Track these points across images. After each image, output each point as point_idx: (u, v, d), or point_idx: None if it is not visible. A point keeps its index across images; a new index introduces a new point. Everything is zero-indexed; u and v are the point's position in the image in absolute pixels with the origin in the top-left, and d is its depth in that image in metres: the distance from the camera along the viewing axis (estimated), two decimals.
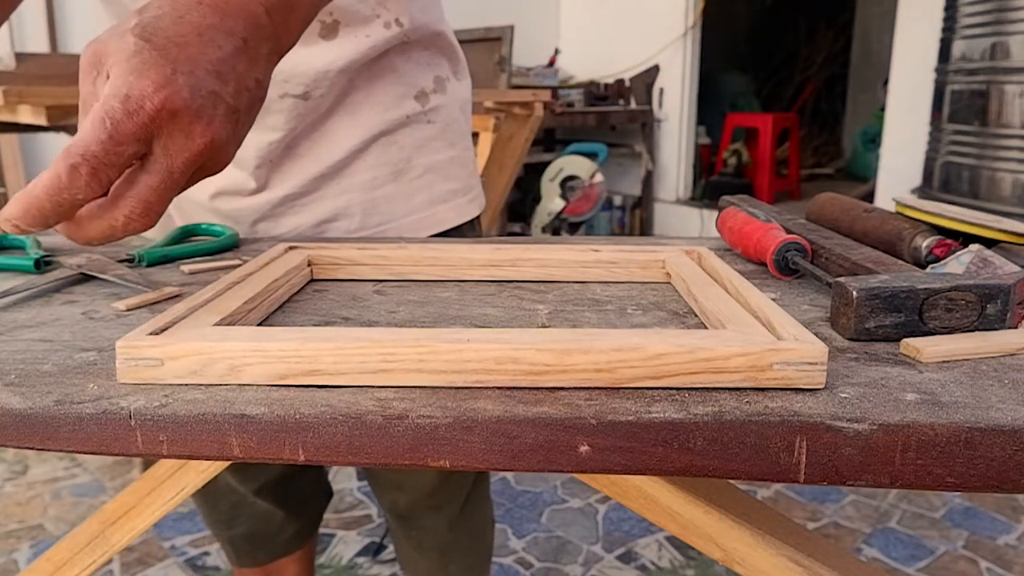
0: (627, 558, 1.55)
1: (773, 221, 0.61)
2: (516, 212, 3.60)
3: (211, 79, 0.38)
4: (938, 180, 2.54)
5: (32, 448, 0.34)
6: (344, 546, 1.59)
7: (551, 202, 3.32)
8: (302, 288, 0.53)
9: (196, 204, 0.73)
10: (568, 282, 0.55)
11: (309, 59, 0.66)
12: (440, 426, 0.33)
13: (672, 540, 1.59)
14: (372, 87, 0.72)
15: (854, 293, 0.41)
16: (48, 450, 0.34)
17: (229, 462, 0.43)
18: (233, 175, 0.70)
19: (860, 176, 4.53)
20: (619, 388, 0.35)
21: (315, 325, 0.45)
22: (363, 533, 1.63)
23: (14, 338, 0.42)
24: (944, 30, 2.55)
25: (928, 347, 0.39)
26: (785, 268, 0.55)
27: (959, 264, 0.49)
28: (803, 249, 0.55)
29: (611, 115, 3.77)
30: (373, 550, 1.58)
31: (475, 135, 1.82)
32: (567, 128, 3.73)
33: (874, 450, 0.32)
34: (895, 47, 3.04)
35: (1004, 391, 0.35)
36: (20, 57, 1.82)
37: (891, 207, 0.62)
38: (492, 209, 1.95)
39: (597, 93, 3.85)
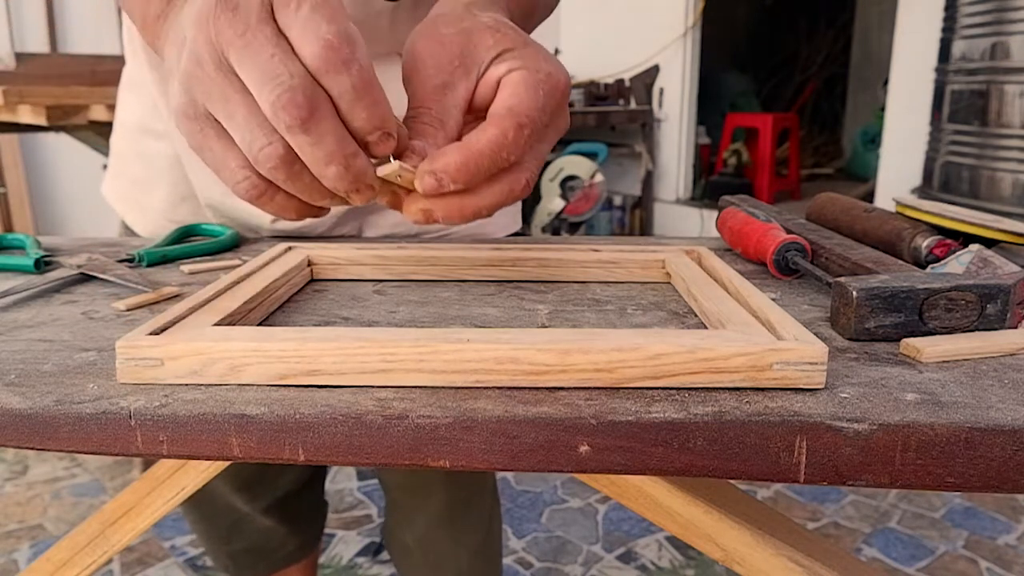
0: (627, 558, 1.55)
1: (773, 221, 0.61)
2: None
3: None
4: (938, 180, 2.54)
5: (32, 448, 0.34)
6: (344, 546, 1.59)
7: (551, 202, 3.32)
8: (302, 288, 0.53)
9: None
10: (568, 282, 0.55)
11: (401, 96, 0.66)
12: (440, 426, 0.33)
13: (672, 540, 1.59)
14: None
15: (854, 293, 0.41)
16: (48, 450, 0.34)
17: (229, 461, 0.42)
18: None
19: (860, 176, 4.53)
20: (619, 388, 0.35)
21: (315, 325, 0.45)
22: (363, 533, 1.63)
23: (14, 338, 0.42)
24: (944, 30, 2.55)
25: (928, 347, 0.39)
26: (785, 268, 0.55)
27: (959, 264, 0.49)
28: (803, 249, 0.55)
29: (611, 115, 3.77)
30: (373, 550, 1.58)
31: None
32: (568, 128, 3.72)
33: (874, 450, 0.32)
34: (895, 47, 3.04)
35: (1004, 391, 0.35)
36: (20, 57, 1.82)
37: (891, 207, 0.62)
38: None
39: (597, 93, 3.84)
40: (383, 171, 0.35)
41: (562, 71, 0.40)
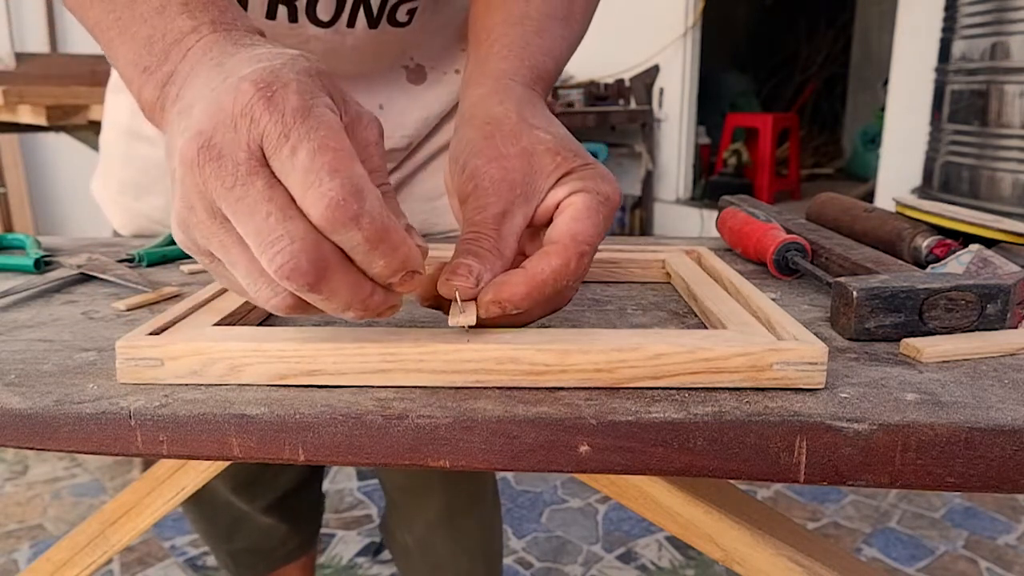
0: (627, 558, 1.55)
1: (773, 221, 0.61)
2: None
3: None
4: (938, 180, 2.54)
5: (32, 448, 0.34)
6: (344, 546, 1.59)
7: None
8: None
9: None
10: None
11: (408, 109, 0.66)
12: (440, 426, 0.33)
13: (672, 540, 1.59)
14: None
15: (854, 293, 0.41)
16: (48, 450, 0.34)
17: (229, 461, 0.42)
18: None
19: (860, 176, 4.53)
20: (619, 388, 0.35)
21: (315, 325, 0.45)
22: (363, 533, 1.63)
23: (14, 338, 0.42)
24: (944, 30, 2.55)
25: (928, 347, 0.39)
26: (785, 268, 0.55)
27: (959, 264, 0.49)
28: (803, 249, 0.55)
29: (611, 115, 3.77)
30: (373, 550, 1.58)
31: None
32: (567, 128, 3.72)
33: (874, 450, 0.32)
34: (895, 47, 3.03)
35: (1004, 391, 0.35)
36: (20, 57, 1.82)
37: (891, 207, 0.62)
38: None
39: (597, 93, 3.84)
40: (455, 322, 0.36)
41: (617, 190, 0.41)
